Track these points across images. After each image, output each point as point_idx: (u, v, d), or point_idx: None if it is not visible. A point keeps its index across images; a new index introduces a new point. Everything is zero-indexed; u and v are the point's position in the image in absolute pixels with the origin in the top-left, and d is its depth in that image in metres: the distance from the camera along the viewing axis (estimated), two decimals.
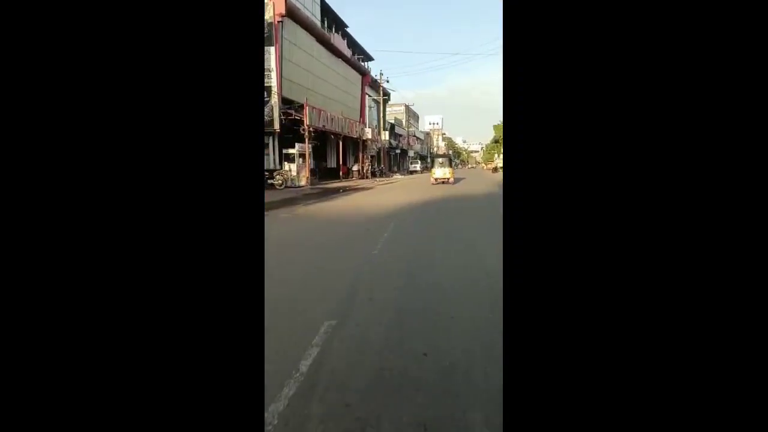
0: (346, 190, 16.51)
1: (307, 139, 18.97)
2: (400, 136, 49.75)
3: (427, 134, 76.42)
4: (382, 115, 35.37)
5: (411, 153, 49.51)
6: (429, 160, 67.21)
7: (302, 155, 18.89)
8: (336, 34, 26.48)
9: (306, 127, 18.92)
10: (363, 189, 17.61)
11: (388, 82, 32.78)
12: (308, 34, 21.33)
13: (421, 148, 64.50)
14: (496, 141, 70.91)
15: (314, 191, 15.79)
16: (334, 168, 25.86)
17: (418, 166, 44.49)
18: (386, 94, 38.23)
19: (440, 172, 20.52)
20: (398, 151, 46.19)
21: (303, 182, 18.67)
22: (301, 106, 18.96)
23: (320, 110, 20.74)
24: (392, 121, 45.17)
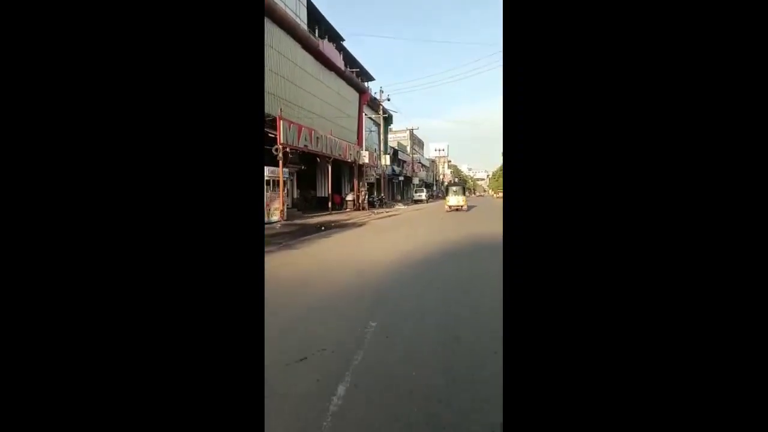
0: (329, 228, 12.24)
1: (280, 162, 14.86)
2: (404, 162, 46.05)
3: (433, 161, 73.10)
4: (382, 138, 31.36)
5: (415, 181, 45.37)
6: (435, 188, 64.36)
7: (277, 182, 14.72)
8: (328, 42, 22.81)
9: (279, 147, 14.85)
10: (352, 226, 13.33)
11: (389, 100, 28.98)
12: (288, 35, 17.57)
13: (427, 175, 60.96)
14: None
15: (284, 230, 11.53)
16: (325, 197, 21.73)
17: (423, 195, 39.84)
18: (387, 114, 34.58)
19: (454, 200, 20.85)
20: (401, 178, 42.12)
21: (276, 216, 14.47)
22: (275, 121, 14.94)
23: (301, 127, 16.65)
24: (395, 147, 41.56)
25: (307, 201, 22.71)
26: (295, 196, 20.35)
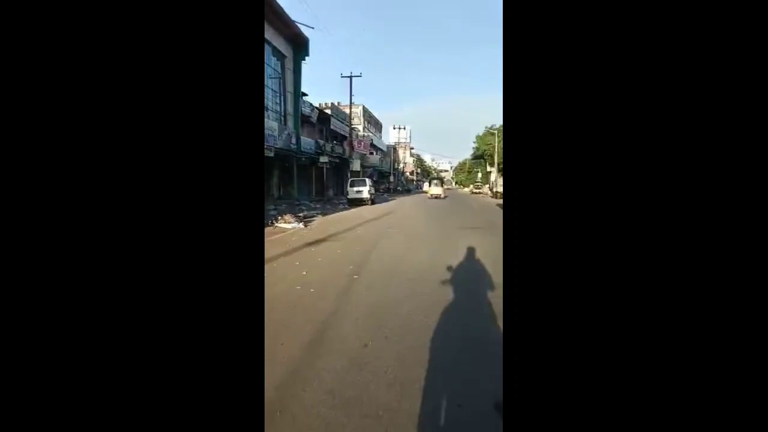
0: None
1: None
2: (342, 138, 30.09)
3: (394, 148, 57.58)
4: (288, 77, 14.69)
5: (355, 166, 28.48)
6: (394, 178, 50.86)
7: None
8: None
9: None
10: None
11: None
12: None
13: (382, 162, 45.29)
14: (479, 156, 52.73)
15: None
16: None
17: (365, 190, 20.16)
18: (297, 32, 18.34)
19: (435, 190, 28.85)
20: (325, 160, 24.15)
21: None
22: None
23: None
24: (327, 105, 25.66)
25: None
26: None
